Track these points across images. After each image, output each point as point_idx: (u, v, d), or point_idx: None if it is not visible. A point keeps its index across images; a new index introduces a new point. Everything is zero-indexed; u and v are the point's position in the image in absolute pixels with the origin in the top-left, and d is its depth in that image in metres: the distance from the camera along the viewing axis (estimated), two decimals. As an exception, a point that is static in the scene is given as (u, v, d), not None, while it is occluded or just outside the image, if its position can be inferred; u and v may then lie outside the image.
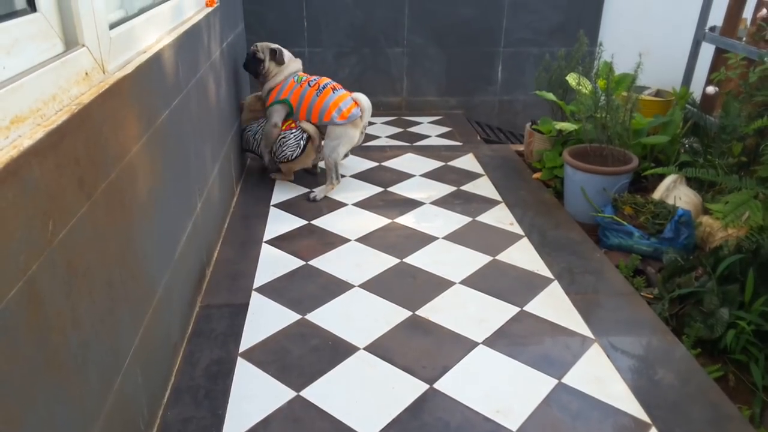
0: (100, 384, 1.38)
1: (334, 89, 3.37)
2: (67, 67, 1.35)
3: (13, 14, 1.27)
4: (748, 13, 3.47)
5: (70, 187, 1.24)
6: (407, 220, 3.08)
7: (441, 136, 4.55)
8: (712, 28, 3.62)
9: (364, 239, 2.87)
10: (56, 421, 1.16)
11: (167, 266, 1.93)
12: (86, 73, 1.44)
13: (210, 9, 2.78)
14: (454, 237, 2.90)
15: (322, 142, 3.37)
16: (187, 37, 2.28)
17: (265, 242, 2.83)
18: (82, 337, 1.28)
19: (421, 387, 1.93)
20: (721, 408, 1.88)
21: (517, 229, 2.99)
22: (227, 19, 3.21)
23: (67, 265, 1.22)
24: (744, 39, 3.39)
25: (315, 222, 3.02)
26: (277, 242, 2.83)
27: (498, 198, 3.34)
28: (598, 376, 2.00)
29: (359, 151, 3.94)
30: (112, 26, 1.67)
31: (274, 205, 3.21)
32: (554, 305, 2.38)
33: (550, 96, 3.65)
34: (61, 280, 1.19)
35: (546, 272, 2.61)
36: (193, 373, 1.99)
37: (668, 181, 3.03)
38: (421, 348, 2.12)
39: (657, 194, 3.02)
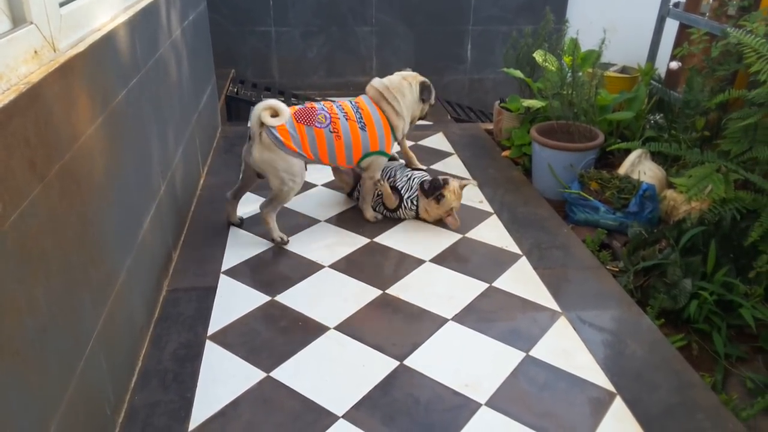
0: (61, 369, 1.35)
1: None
2: (14, 45, 1.30)
3: (-45, -10, 1.21)
4: (710, -12, 3.50)
5: (20, 169, 1.20)
6: (377, 199, 3.07)
7: (411, 115, 4.53)
8: (676, 4, 3.65)
9: (334, 220, 2.86)
10: (11, 407, 1.13)
11: (130, 250, 1.89)
12: (35, 51, 1.39)
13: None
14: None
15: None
16: (145, 15, 2.21)
17: (232, 224, 2.79)
18: (40, 321, 1.25)
19: (392, 364, 1.94)
20: (684, 376, 1.93)
21: (486, 206, 3.01)
22: (189, -2, 3.13)
23: (20, 248, 1.19)
24: (707, 14, 3.43)
25: (286, 205, 2.99)
26: (246, 224, 2.79)
27: (468, 176, 3.35)
28: (565, 348, 2.03)
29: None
30: (63, 4, 1.61)
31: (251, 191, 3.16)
32: (523, 280, 2.40)
33: (518, 74, 3.65)
34: (13, 263, 1.16)
35: (515, 248, 2.63)
36: (161, 357, 1.96)
37: (633, 156, 3.07)
38: (391, 326, 2.13)
39: (622, 169, 3.06)
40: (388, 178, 2.83)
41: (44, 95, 1.34)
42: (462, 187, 2.78)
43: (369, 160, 2.69)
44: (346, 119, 2.59)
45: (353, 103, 2.68)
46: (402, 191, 2.80)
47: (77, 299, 1.45)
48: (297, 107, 2.57)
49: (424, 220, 2.84)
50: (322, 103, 2.66)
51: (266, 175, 2.53)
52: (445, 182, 2.72)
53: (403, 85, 2.74)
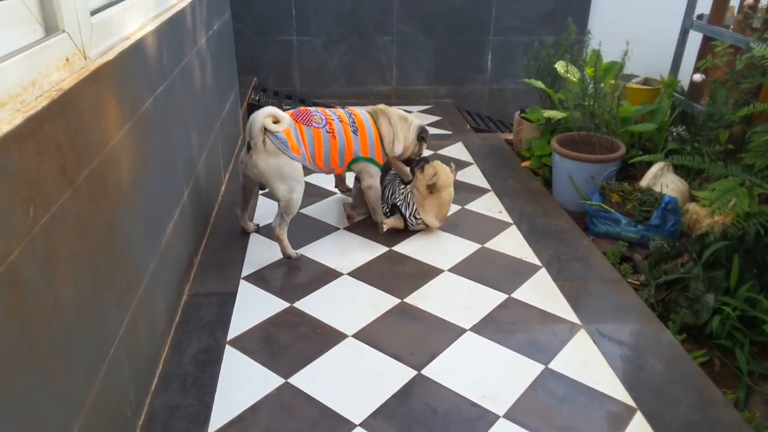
0: (85, 371, 1.37)
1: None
2: (47, 52, 1.33)
3: (-8, -1, 1.25)
4: (735, 1, 3.48)
5: (51, 174, 1.23)
6: (396, 208, 3.08)
7: (430, 125, 4.55)
8: (700, 16, 3.63)
9: (353, 228, 2.87)
10: (39, 408, 1.15)
11: (153, 254, 1.92)
12: (67, 59, 1.42)
13: (196, -5, 2.75)
14: (443, 225, 2.90)
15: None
16: (172, 24, 2.25)
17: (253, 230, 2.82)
18: (66, 324, 1.28)
19: (409, 373, 1.94)
20: (706, 392, 1.90)
21: (505, 217, 3.00)
22: (213, 7, 3.18)
23: (49, 251, 1.21)
24: (731, 27, 3.40)
25: (304, 211, 3.01)
26: (266, 231, 2.81)
27: (487, 186, 3.35)
28: (584, 361, 2.01)
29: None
30: (94, 12, 1.65)
31: (263, 194, 3.19)
32: (542, 292, 2.39)
33: (539, 84, 3.65)
34: (43, 266, 1.18)
35: (534, 259, 2.62)
36: (181, 361, 1.98)
37: (655, 168, 3.04)
38: (409, 335, 2.13)
39: (644, 182, 3.03)
40: (391, 195, 2.85)
41: (75, 102, 1.37)
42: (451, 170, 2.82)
43: (360, 166, 2.71)
44: (340, 122, 2.63)
45: (346, 110, 2.72)
46: (402, 209, 2.80)
47: (102, 302, 1.48)
48: (292, 110, 2.58)
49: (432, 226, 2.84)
50: (314, 107, 2.70)
51: (270, 184, 2.50)
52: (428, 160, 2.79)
53: (402, 115, 2.81)
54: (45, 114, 1.22)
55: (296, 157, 2.48)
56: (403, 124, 2.79)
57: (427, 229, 2.85)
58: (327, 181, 3.24)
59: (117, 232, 1.60)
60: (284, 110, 2.50)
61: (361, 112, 2.73)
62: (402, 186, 2.87)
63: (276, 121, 2.42)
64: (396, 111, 2.81)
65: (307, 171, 2.58)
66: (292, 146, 2.46)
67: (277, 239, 2.57)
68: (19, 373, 1.09)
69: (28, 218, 1.13)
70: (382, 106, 2.80)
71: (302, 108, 2.62)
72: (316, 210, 3.05)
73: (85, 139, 1.41)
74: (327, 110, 2.67)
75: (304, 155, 2.52)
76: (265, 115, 2.39)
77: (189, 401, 1.82)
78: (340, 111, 2.70)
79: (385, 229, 2.81)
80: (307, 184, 2.66)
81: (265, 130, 2.40)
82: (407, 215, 2.79)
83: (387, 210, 2.87)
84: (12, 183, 1.08)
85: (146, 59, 1.93)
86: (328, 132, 2.58)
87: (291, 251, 2.60)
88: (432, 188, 2.72)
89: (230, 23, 3.75)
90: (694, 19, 3.60)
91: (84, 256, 1.38)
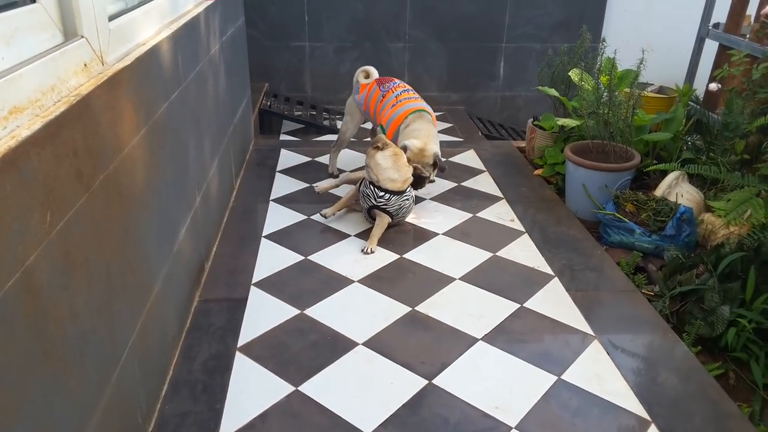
0: (98, 376, 1.37)
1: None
2: (65, 57, 1.34)
3: (13, 4, 1.25)
4: (752, 9, 3.45)
5: (68, 179, 1.23)
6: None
7: (442, 131, 4.54)
8: (716, 25, 3.60)
9: (364, 235, 2.86)
10: (53, 412, 1.15)
11: (166, 260, 1.92)
12: (85, 65, 1.43)
13: (210, 2, 2.76)
14: (454, 233, 2.89)
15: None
16: (187, 30, 2.26)
17: (264, 237, 2.82)
18: (80, 328, 1.28)
19: (420, 382, 1.93)
20: (721, 406, 1.87)
21: (517, 225, 2.98)
22: (227, 13, 3.20)
23: (65, 256, 1.21)
24: (747, 36, 3.37)
25: (314, 217, 3.01)
26: (277, 237, 2.82)
27: (499, 194, 3.33)
28: (598, 373, 1.99)
29: (358, 146, 3.93)
30: (112, 18, 1.66)
31: (274, 200, 3.20)
32: (554, 302, 2.37)
33: (553, 92, 3.63)
34: (58, 271, 1.19)
35: (546, 269, 2.60)
36: (191, 368, 1.98)
37: (670, 178, 3.02)
38: (420, 344, 2.12)
39: (659, 191, 3.01)
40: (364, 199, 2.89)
41: (92, 107, 1.37)
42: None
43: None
44: (395, 96, 3.30)
45: (413, 98, 3.32)
46: (368, 199, 2.84)
47: (116, 307, 1.48)
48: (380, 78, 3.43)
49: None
50: (398, 80, 3.44)
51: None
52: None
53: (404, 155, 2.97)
54: (63, 119, 1.22)
55: (356, 99, 3.41)
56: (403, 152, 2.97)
57: (400, 213, 2.87)
58: (339, 190, 3.23)
59: (131, 237, 1.60)
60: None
61: (415, 107, 3.24)
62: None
63: (366, 76, 3.41)
64: (414, 138, 3.08)
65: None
66: (359, 91, 3.37)
67: (330, 158, 3.51)
68: (34, 376, 1.09)
69: (45, 223, 1.13)
70: (426, 116, 3.21)
71: (388, 77, 3.43)
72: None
73: (102, 145, 1.42)
74: (403, 86, 3.38)
75: (362, 100, 3.38)
76: (360, 69, 3.41)
77: (199, 408, 1.81)
78: (409, 94, 3.33)
79: (316, 190, 3.18)
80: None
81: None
82: (374, 198, 2.81)
83: (367, 216, 2.92)
84: (30, 188, 1.09)
85: (162, 65, 1.94)
86: (383, 94, 3.32)
87: (334, 169, 3.47)
88: (377, 146, 2.82)
89: (244, 29, 3.76)
90: (710, 27, 3.58)
91: (98, 260, 1.38)
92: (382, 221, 2.80)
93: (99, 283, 1.38)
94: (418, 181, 2.98)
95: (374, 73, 3.38)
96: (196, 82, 2.38)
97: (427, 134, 3.08)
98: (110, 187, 1.46)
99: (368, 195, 2.82)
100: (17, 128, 1.10)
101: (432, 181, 3.33)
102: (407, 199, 2.85)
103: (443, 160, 3.06)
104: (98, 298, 1.37)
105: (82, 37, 1.44)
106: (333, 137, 4.41)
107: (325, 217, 2.95)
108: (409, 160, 2.91)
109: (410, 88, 3.40)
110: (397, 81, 3.39)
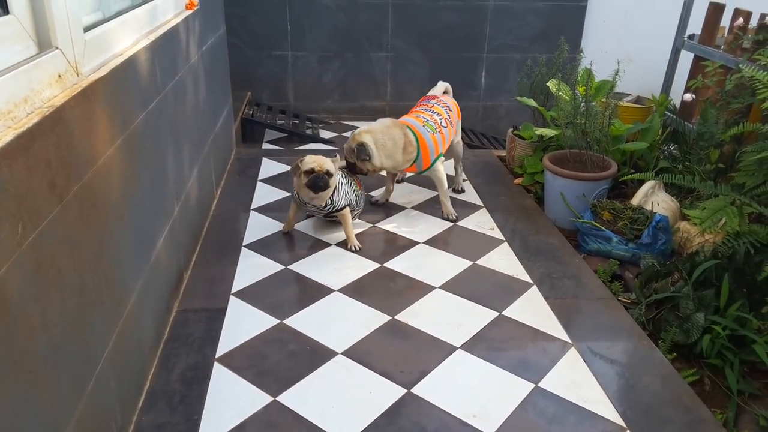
0: (72, 388, 1.36)
1: (448, 108, 3.35)
2: (39, 69, 1.34)
3: (-15, 15, 1.25)
4: (725, 21, 3.53)
5: (40, 190, 1.23)
6: (388, 224, 3.08)
7: (424, 140, 4.55)
8: (691, 36, 3.67)
9: (345, 244, 2.86)
10: (25, 424, 1.14)
11: (142, 270, 1.91)
12: (59, 76, 1.43)
13: (189, 12, 2.76)
14: (435, 242, 2.91)
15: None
16: (165, 40, 2.26)
17: (244, 246, 2.81)
18: (53, 340, 1.27)
19: (399, 391, 1.93)
20: (696, 412, 1.90)
21: (497, 234, 3.01)
22: (208, 22, 3.20)
23: (37, 267, 1.21)
24: (722, 47, 3.44)
25: (295, 226, 3.01)
26: (257, 246, 2.81)
27: (479, 203, 3.36)
28: (574, 380, 2.01)
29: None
30: (88, 29, 1.66)
31: (255, 209, 3.19)
32: (533, 310, 2.39)
33: (531, 102, 3.67)
34: (30, 283, 1.18)
35: (525, 277, 2.62)
36: (169, 378, 1.97)
37: (646, 187, 3.06)
38: (399, 352, 2.12)
39: (635, 200, 3.05)
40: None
41: (66, 118, 1.37)
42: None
43: None
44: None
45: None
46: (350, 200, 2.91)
47: (90, 319, 1.47)
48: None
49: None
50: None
51: None
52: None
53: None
54: (36, 130, 1.22)
55: None
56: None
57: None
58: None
59: (106, 248, 1.59)
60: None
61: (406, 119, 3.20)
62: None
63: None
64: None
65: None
66: None
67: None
68: (4, 388, 1.08)
69: (16, 235, 1.13)
70: (398, 123, 3.11)
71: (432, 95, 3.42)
72: (307, 225, 3.05)
73: (76, 155, 1.41)
74: (438, 103, 3.32)
75: None
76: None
77: (176, 419, 1.80)
78: (426, 108, 3.28)
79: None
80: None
81: None
82: (320, 209, 2.86)
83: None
84: (1, 199, 1.08)
85: (139, 75, 1.93)
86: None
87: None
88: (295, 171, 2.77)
89: (225, 38, 3.76)
90: (686, 39, 3.64)
91: (72, 272, 1.37)
92: (345, 218, 2.86)
93: (72, 295, 1.37)
94: (351, 167, 3.06)
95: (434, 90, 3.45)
96: (174, 92, 2.37)
97: (370, 128, 3.04)
98: (84, 198, 1.45)
99: (315, 210, 2.88)
100: (-12, 140, 1.10)
101: (400, 181, 3.58)
102: (341, 185, 2.88)
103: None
104: (72, 310, 1.37)
105: (57, 48, 1.43)
106: (315, 146, 4.43)
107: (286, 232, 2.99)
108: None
109: (444, 107, 3.31)
110: (435, 100, 3.33)
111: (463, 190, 3.50)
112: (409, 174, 3.56)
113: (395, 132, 3.03)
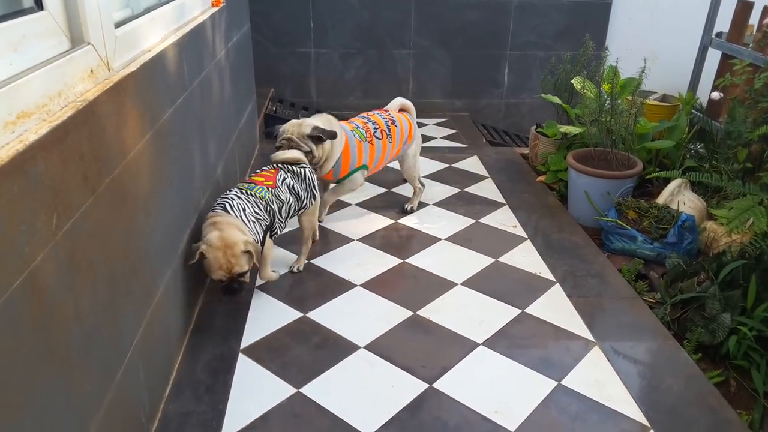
0: (102, 377, 1.39)
1: (392, 122, 3.08)
2: (72, 64, 1.37)
3: (21, 12, 1.29)
4: (754, 19, 3.47)
5: (74, 182, 1.26)
6: (410, 220, 3.09)
7: (446, 138, 4.56)
8: (719, 34, 3.61)
9: (367, 239, 2.88)
10: (57, 412, 1.17)
11: (170, 262, 1.95)
12: (91, 71, 1.46)
13: (216, 9, 2.80)
14: (457, 238, 2.91)
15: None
16: (192, 37, 2.29)
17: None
18: (85, 329, 1.30)
19: (421, 386, 1.94)
20: (721, 413, 1.88)
21: (520, 231, 3.00)
22: (233, 19, 3.23)
23: (71, 258, 1.24)
24: (750, 45, 3.38)
25: (318, 222, 3.03)
26: (280, 240, 2.84)
27: (502, 200, 3.35)
28: (598, 379, 2.00)
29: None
30: (118, 25, 1.69)
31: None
32: (556, 308, 2.38)
33: (555, 99, 3.65)
34: (64, 272, 1.21)
35: (548, 275, 2.61)
36: (195, 368, 2.00)
37: (673, 185, 3.02)
38: (421, 348, 2.13)
39: (661, 199, 3.01)
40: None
41: (98, 112, 1.40)
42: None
43: None
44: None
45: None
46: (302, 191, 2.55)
47: (120, 309, 1.50)
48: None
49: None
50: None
51: None
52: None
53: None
54: (70, 124, 1.25)
55: None
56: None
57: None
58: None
59: (135, 239, 1.62)
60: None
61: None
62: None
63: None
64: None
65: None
66: None
67: None
68: (39, 375, 1.11)
69: (51, 225, 1.16)
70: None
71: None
72: (330, 221, 3.07)
73: (107, 149, 1.44)
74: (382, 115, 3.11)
75: None
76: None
77: (202, 408, 1.83)
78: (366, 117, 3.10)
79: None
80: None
81: None
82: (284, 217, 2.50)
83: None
84: (37, 190, 1.11)
85: (167, 71, 1.96)
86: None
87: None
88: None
89: (249, 35, 3.80)
90: (713, 36, 3.59)
91: (103, 262, 1.41)
92: (314, 209, 2.62)
93: (103, 285, 1.40)
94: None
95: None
96: (201, 88, 2.41)
97: (312, 121, 2.77)
98: (115, 191, 1.48)
99: (280, 223, 2.49)
100: (25, 132, 1.13)
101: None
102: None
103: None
104: (103, 300, 1.40)
105: (89, 43, 1.46)
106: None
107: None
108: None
109: (388, 119, 3.08)
110: (380, 112, 3.14)
111: (412, 210, 3.20)
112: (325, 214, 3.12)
113: (335, 126, 2.85)
